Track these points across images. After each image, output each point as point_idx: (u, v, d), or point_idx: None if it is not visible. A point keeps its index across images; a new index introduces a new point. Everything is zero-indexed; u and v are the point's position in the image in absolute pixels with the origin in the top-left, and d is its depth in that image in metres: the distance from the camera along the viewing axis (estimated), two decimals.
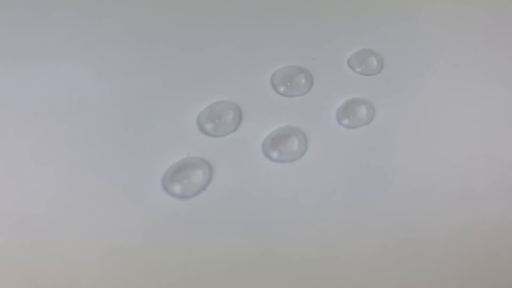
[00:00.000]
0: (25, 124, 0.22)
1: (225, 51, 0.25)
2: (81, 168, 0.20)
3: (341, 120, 0.22)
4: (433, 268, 0.18)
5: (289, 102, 0.23)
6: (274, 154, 0.21)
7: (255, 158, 0.21)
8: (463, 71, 0.25)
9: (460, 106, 0.23)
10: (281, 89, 0.23)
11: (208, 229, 0.19)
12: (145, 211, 0.19)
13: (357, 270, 0.18)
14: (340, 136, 0.22)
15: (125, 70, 0.24)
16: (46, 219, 0.19)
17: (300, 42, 0.26)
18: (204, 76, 0.24)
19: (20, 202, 0.19)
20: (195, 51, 0.25)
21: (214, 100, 0.23)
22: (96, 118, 0.22)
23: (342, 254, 0.18)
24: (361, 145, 0.22)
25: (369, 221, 0.19)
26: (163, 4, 0.27)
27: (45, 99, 0.22)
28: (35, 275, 0.18)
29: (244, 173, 0.20)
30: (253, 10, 0.27)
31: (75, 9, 0.27)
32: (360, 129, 0.22)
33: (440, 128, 0.22)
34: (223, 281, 0.18)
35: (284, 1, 0.28)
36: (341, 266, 0.18)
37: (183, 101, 0.23)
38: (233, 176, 0.20)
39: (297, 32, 0.26)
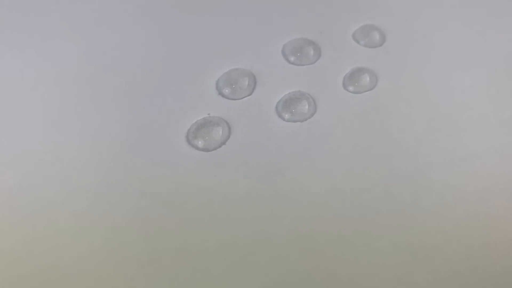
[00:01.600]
0: (58, 84, 0.24)
1: (241, 24, 0.27)
2: (115, 126, 0.22)
3: (346, 86, 0.25)
4: (433, 213, 0.21)
5: (299, 70, 0.25)
6: (286, 115, 0.23)
7: (269, 118, 0.23)
8: (458, 43, 0.27)
9: (455, 74, 0.25)
10: (292, 58, 0.26)
11: (227, 178, 0.21)
12: (172, 161, 0.21)
13: (359, 212, 0.20)
14: (345, 100, 0.24)
15: (151, 41, 0.26)
16: (85, 166, 0.21)
17: (309, 16, 0.28)
18: (222, 46, 0.26)
19: (59, 153, 0.21)
20: (214, 24, 0.27)
21: (231, 68, 0.25)
22: (127, 82, 0.24)
23: (348, 198, 0.21)
24: (364, 109, 0.24)
25: (372, 170, 0.22)
26: None
27: (78, 64, 0.25)
28: (72, 215, 0.20)
29: (259, 131, 0.23)
30: None
31: None
32: (364, 94, 0.24)
33: (437, 93, 0.25)
34: (241, 221, 0.20)
35: None
36: (345, 208, 0.20)
37: (203, 68, 0.25)
38: (249, 133, 0.23)
39: (306, 7, 0.28)
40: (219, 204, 0.20)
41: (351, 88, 0.25)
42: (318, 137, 0.23)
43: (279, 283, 0.19)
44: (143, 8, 0.27)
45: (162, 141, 0.22)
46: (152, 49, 0.26)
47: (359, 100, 0.24)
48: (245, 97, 0.24)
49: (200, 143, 0.22)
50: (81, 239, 0.19)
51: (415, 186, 0.21)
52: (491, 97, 0.25)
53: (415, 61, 0.26)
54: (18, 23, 0.27)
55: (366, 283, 0.19)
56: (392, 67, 0.26)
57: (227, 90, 0.24)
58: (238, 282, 0.19)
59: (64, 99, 0.23)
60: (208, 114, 0.23)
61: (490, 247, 0.20)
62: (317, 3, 0.28)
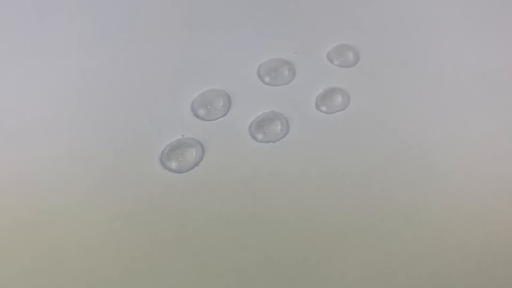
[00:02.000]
0: (32, 107, 0.24)
1: (217, 45, 0.28)
2: (87, 146, 0.23)
3: (319, 106, 0.25)
4: (399, 232, 0.21)
5: (274, 91, 0.26)
6: (259, 136, 0.24)
7: (242, 139, 0.24)
8: (431, 63, 0.28)
9: (427, 93, 0.26)
10: (267, 79, 0.26)
11: (200, 198, 0.22)
12: (145, 183, 0.22)
13: (328, 231, 0.21)
14: (318, 120, 0.25)
15: (126, 62, 0.26)
16: (58, 186, 0.21)
17: (284, 37, 0.28)
18: (197, 67, 0.26)
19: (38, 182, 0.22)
20: (189, 46, 0.27)
21: (206, 89, 0.25)
22: (101, 103, 0.24)
23: (317, 217, 0.21)
24: (336, 129, 0.24)
25: (341, 192, 0.22)
26: (158, 4, 0.30)
27: (56, 87, 0.25)
28: (43, 236, 0.20)
29: (232, 152, 0.23)
30: (242, 7, 0.30)
31: (80, 8, 0.29)
32: (336, 114, 0.25)
33: (407, 113, 0.25)
34: (214, 240, 0.20)
35: (271, 0, 0.30)
36: (316, 227, 0.21)
37: (179, 89, 0.25)
38: (222, 154, 0.23)
39: (281, 28, 0.29)
40: (192, 226, 0.21)
41: (323, 108, 0.25)
42: (290, 157, 0.23)
43: None
44: (117, 31, 0.28)
45: (136, 162, 0.22)
46: (127, 70, 0.26)
47: (331, 120, 0.25)
48: (220, 118, 0.24)
49: (173, 164, 0.22)
50: (53, 259, 0.20)
51: (383, 205, 0.22)
52: (462, 116, 0.25)
53: (388, 81, 0.27)
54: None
55: None
56: (365, 87, 0.26)
57: (202, 111, 0.24)
58: None
59: (38, 121, 0.24)
60: (183, 135, 0.24)
61: (455, 266, 0.20)
62: (293, 23, 0.29)
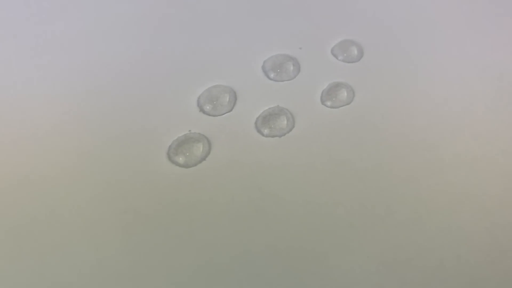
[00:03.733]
0: (39, 104, 0.24)
1: (223, 41, 0.28)
2: (95, 142, 0.23)
3: (324, 101, 0.25)
4: (406, 225, 0.21)
5: (279, 86, 0.26)
6: (265, 131, 0.24)
7: (248, 133, 0.24)
8: (435, 58, 0.28)
9: (431, 88, 0.26)
10: (272, 74, 0.26)
11: (207, 193, 0.22)
12: (153, 178, 0.22)
13: (335, 225, 0.21)
14: (323, 115, 0.25)
15: (133, 58, 0.27)
16: (67, 182, 0.22)
17: (289, 32, 0.28)
18: (203, 64, 0.27)
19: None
20: (195, 42, 0.28)
21: (212, 84, 0.26)
22: (109, 99, 0.25)
23: (324, 211, 0.21)
24: (341, 123, 0.25)
25: (347, 185, 0.22)
26: (164, 1, 0.30)
27: (64, 84, 0.25)
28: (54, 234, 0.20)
29: (238, 146, 0.23)
30: (246, 3, 0.30)
31: (87, 6, 0.29)
32: (341, 109, 0.25)
33: (412, 107, 0.25)
34: (222, 234, 0.21)
35: None
36: (322, 220, 0.21)
37: (185, 85, 0.25)
38: (229, 149, 0.23)
39: (286, 24, 0.29)
40: (199, 220, 0.21)
41: (328, 103, 0.25)
42: (295, 151, 0.23)
43: None
44: (124, 27, 0.28)
45: (143, 157, 0.23)
46: (134, 66, 0.26)
47: (336, 115, 0.25)
48: (226, 113, 0.25)
49: (181, 159, 0.23)
50: (63, 255, 0.20)
51: (389, 199, 0.22)
52: (466, 110, 0.25)
53: (391, 76, 0.27)
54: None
55: None
56: (369, 81, 0.27)
57: (208, 107, 0.25)
58: None
59: (47, 118, 0.24)
60: (189, 130, 0.24)
61: (461, 258, 0.21)
62: (297, 18, 0.29)
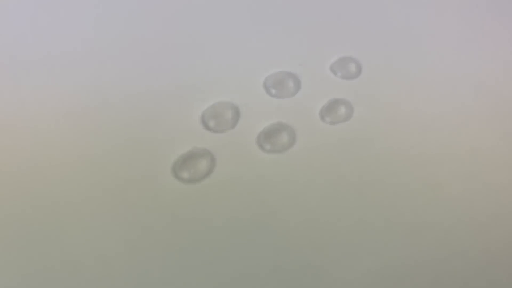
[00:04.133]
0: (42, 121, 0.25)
1: (225, 59, 0.28)
2: (101, 158, 0.24)
3: (324, 117, 0.26)
4: (404, 241, 0.22)
5: (280, 103, 0.27)
6: (267, 146, 0.25)
7: (251, 149, 0.25)
8: (432, 74, 0.29)
9: (428, 104, 0.27)
10: (273, 91, 0.27)
11: (212, 207, 0.22)
12: (158, 194, 0.23)
13: (336, 238, 0.22)
14: (323, 131, 0.26)
15: (137, 76, 0.27)
16: (74, 199, 0.22)
17: (289, 49, 0.29)
18: (206, 81, 0.27)
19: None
20: (198, 59, 0.28)
21: (215, 101, 0.26)
22: (114, 116, 0.25)
23: (324, 225, 0.22)
24: (340, 139, 0.25)
25: (347, 200, 0.23)
26: (169, 19, 0.31)
27: (69, 100, 0.26)
28: None
29: (241, 162, 0.24)
30: (247, 22, 0.31)
31: (92, 23, 0.30)
32: (340, 125, 0.26)
33: (410, 123, 0.26)
34: (226, 248, 0.21)
35: (275, 14, 0.31)
36: (323, 234, 0.22)
37: (188, 102, 0.26)
38: (232, 165, 0.24)
39: (286, 41, 0.30)
40: (203, 235, 0.22)
41: (328, 119, 0.26)
42: (297, 167, 0.24)
43: None
44: (129, 44, 0.29)
45: (149, 173, 0.23)
46: (138, 84, 0.27)
47: (335, 131, 0.26)
48: (229, 129, 0.25)
49: (185, 175, 0.23)
50: (69, 271, 0.20)
51: (387, 214, 0.23)
52: (463, 125, 0.26)
53: (389, 92, 0.28)
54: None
55: None
56: (368, 98, 0.27)
57: (212, 123, 0.25)
58: None
59: (53, 133, 0.25)
60: (194, 146, 0.24)
61: (457, 273, 0.21)
62: (297, 36, 0.30)
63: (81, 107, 0.26)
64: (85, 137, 0.25)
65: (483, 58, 0.30)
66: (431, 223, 0.23)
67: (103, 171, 0.23)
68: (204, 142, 0.25)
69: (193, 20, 0.30)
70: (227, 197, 0.23)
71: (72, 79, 0.27)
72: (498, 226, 0.23)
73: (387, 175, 0.24)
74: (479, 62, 0.29)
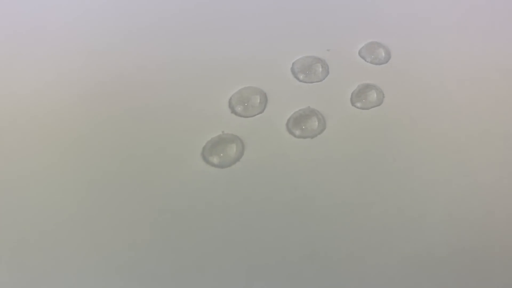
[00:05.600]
0: (77, 104, 0.25)
1: (252, 44, 0.28)
2: (132, 145, 0.23)
3: (354, 102, 0.26)
4: (439, 226, 0.21)
5: (308, 88, 0.26)
6: (297, 131, 0.24)
7: (280, 134, 0.24)
8: (461, 59, 0.28)
9: (459, 89, 0.26)
10: (301, 76, 0.27)
11: (242, 193, 0.22)
12: (189, 179, 0.22)
13: (369, 225, 0.21)
14: (354, 116, 0.25)
15: (166, 62, 0.27)
16: (105, 183, 0.22)
17: (316, 35, 0.29)
18: (233, 66, 0.27)
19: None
20: (226, 46, 0.28)
21: (242, 86, 0.26)
22: (144, 102, 0.25)
23: (357, 211, 0.22)
24: (372, 124, 0.25)
25: (380, 185, 0.22)
26: (195, 8, 0.30)
27: (99, 86, 0.26)
28: None
29: (271, 147, 0.24)
30: (273, 7, 0.30)
31: (122, 12, 0.30)
32: (372, 110, 0.25)
33: (441, 108, 0.25)
34: (258, 234, 0.21)
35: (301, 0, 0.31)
36: (356, 222, 0.21)
37: (216, 87, 0.26)
38: (262, 150, 0.23)
39: (313, 26, 0.29)
40: (234, 220, 0.21)
41: (358, 104, 0.26)
42: (327, 152, 0.24)
43: None
44: (157, 30, 0.29)
45: (179, 158, 0.23)
46: (166, 70, 0.27)
47: (366, 116, 0.25)
48: (257, 114, 0.25)
49: (215, 159, 0.23)
50: (102, 256, 0.20)
51: (421, 200, 0.22)
52: (494, 112, 0.26)
53: (419, 77, 0.27)
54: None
55: None
56: (398, 83, 0.27)
57: (239, 108, 0.25)
58: None
59: (83, 119, 0.24)
60: (222, 131, 0.24)
61: (496, 257, 0.21)
62: (324, 21, 0.30)
63: (110, 93, 0.25)
64: (113, 124, 0.24)
65: None
66: (466, 209, 0.22)
67: (133, 157, 0.23)
68: (232, 127, 0.24)
69: (221, 5, 0.30)
70: (258, 182, 0.22)
71: (99, 64, 0.27)
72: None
73: (419, 160, 0.23)
74: (508, 47, 0.29)
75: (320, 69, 0.27)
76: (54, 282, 0.19)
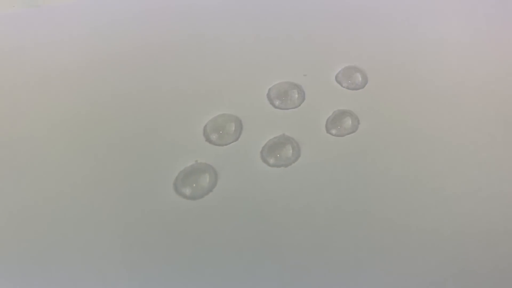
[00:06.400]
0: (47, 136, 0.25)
1: (227, 70, 0.28)
2: (101, 173, 0.23)
3: (329, 129, 0.26)
4: (410, 256, 0.21)
5: (284, 114, 0.26)
6: (271, 160, 0.24)
7: (254, 163, 0.24)
8: (438, 84, 0.28)
9: (435, 115, 0.26)
10: (277, 102, 0.27)
11: (214, 224, 0.22)
12: (160, 210, 0.22)
13: (341, 255, 0.21)
14: (328, 144, 0.25)
15: (139, 89, 0.27)
16: (74, 214, 0.22)
17: (293, 60, 0.29)
18: (208, 93, 0.27)
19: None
20: (200, 71, 0.28)
21: (217, 113, 0.26)
22: (116, 129, 0.25)
23: (330, 242, 0.21)
24: (347, 151, 0.25)
25: (353, 215, 0.22)
26: (171, 30, 0.30)
27: (67, 114, 0.25)
28: None
29: (245, 177, 0.23)
30: (250, 32, 0.30)
31: (91, 36, 0.30)
32: (347, 137, 0.25)
33: (416, 134, 0.25)
34: (228, 266, 0.21)
35: (278, 24, 0.31)
36: (328, 251, 0.21)
37: (190, 114, 0.26)
38: (235, 180, 0.23)
39: (289, 51, 0.29)
40: (206, 252, 0.21)
41: (333, 131, 0.25)
42: (302, 181, 0.23)
43: None
44: (131, 55, 0.28)
45: (150, 189, 0.23)
46: (140, 96, 0.26)
47: (341, 143, 0.25)
48: (232, 142, 0.25)
49: (187, 191, 0.23)
50: None
51: (394, 228, 0.22)
52: (471, 137, 0.26)
53: (396, 103, 0.27)
54: None
55: None
56: (374, 108, 0.27)
57: (214, 136, 0.25)
58: None
59: (56, 150, 0.24)
60: (196, 160, 0.24)
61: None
62: (301, 46, 0.30)
63: (81, 123, 0.25)
64: (84, 153, 0.24)
65: (489, 69, 0.29)
66: (441, 237, 0.22)
67: (103, 187, 0.23)
68: (206, 156, 0.24)
69: (195, 31, 0.30)
70: (230, 212, 0.22)
71: (72, 94, 0.26)
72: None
73: (395, 189, 0.23)
74: (484, 73, 0.29)
75: (296, 95, 0.27)
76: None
